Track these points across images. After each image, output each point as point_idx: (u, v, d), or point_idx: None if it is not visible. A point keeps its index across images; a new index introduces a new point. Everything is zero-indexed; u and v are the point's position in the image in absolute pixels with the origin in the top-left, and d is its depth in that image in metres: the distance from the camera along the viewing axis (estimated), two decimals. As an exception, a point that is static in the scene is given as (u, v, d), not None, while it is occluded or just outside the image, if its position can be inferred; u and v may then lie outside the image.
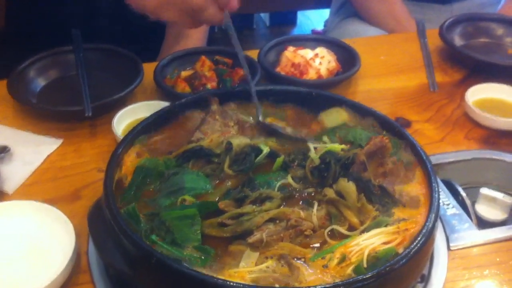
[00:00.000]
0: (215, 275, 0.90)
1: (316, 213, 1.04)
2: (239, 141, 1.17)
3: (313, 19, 4.58)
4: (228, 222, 1.01)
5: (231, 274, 0.92)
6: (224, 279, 0.89)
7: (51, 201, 1.20)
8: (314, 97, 1.30)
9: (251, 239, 0.98)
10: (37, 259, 1.11)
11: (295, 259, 0.96)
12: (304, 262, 0.96)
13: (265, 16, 4.62)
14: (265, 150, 1.16)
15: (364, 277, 0.88)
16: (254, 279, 0.92)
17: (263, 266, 0.94)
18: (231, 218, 1.02)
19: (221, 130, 1.21)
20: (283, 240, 0.99)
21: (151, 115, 1.22)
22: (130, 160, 1.13)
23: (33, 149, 1.40)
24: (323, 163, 1.12)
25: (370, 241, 0.98)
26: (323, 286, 0.88)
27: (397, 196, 1.08)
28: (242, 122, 1.26)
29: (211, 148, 1.16)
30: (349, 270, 0.93)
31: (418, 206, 1.06)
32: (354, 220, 1.03)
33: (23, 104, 1.52)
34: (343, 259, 0.95)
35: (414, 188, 1.10)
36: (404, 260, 0.92)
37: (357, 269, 0.93)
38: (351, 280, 0.89)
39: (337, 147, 1.16)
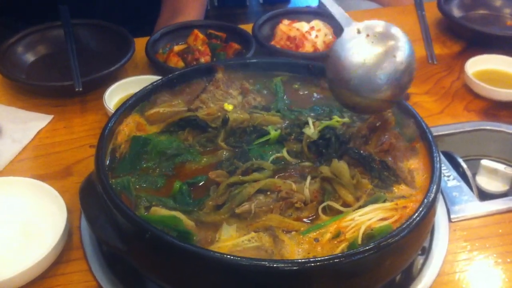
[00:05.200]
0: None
1: (308, 186, 1.00)
2: (237, 115, 1.13)
3: (307, -4, 4.51)
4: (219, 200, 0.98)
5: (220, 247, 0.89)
6: (221, 252, 0.85)
7: (42, 178, 1.17)
8: (311, 69, 1.27)
9: (239, 209, 0.95)
10: (28, 236, 1.08)
11: (285, 232, 0.93)
12: (294, 235, 0.92)
13: (258, -7, 4.56)
14: (272, 133, 1.11)
15: (364, 249, 0.85)
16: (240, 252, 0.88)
17: (245, 238, 0.90)
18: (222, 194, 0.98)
19: (222, 100, 1.18)
20: (273, 212, 0.96)
21: (147, 85, 1.19)
22: (125, 132, 1.10)
23: (22, 126, 1.37)
24: (322, 139, 1.09)
25: (367, 217, 0.94)
26: (326, 258, 0.84)
27: (397, 171, 1.04)
28: (246, 90, 1.22)
29: (206, 121, 1.13)
30: (342, 247, 0.90)
31: (418, 183, 1.02)
32: (349, 198, 0.98)
33: (12, 80, 1.48)
34: (337, 234, 0.92)
35: (416, 165, 1.06)
36: (405, 232, 0.88)
37: (352, 247, 0.89)
38: (351, 252, 0.86)
39: (338, 120, 1.13)
